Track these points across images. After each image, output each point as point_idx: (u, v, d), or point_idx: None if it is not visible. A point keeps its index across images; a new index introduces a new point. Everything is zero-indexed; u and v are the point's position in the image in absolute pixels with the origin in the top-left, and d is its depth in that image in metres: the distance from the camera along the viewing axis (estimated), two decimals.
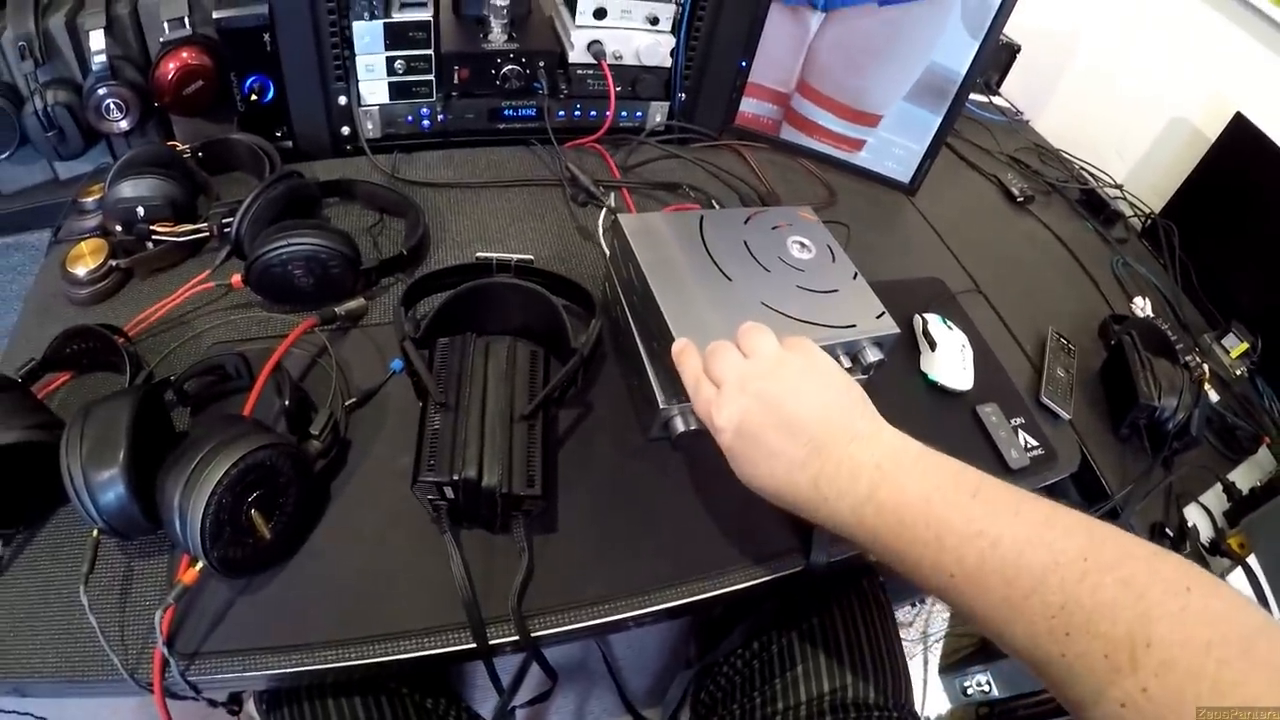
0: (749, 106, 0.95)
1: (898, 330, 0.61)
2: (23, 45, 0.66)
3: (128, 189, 0.63)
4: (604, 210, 0.76)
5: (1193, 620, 0.33)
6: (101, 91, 0.67)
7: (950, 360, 0.76)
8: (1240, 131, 0.99)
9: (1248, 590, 0.69)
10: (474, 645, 0.48)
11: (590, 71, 0.84)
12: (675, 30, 0.85)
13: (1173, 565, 0.36)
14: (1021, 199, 1.05)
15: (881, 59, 0.87)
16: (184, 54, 0.69)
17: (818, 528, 0.57)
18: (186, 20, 0.68)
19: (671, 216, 0.66)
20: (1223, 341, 0.94)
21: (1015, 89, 1.33)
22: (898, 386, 0.73)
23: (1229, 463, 0.84)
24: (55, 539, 0.51)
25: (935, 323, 0.79)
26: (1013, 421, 0.75)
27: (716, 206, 0.83)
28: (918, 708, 1.10)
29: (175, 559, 0.49)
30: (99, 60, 0.66)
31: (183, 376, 0.55)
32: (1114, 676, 0.34)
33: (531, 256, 0.64)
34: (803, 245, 0.66)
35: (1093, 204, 1.10)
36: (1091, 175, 1.18)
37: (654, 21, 0.83)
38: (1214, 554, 0.74)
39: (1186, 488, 0.78)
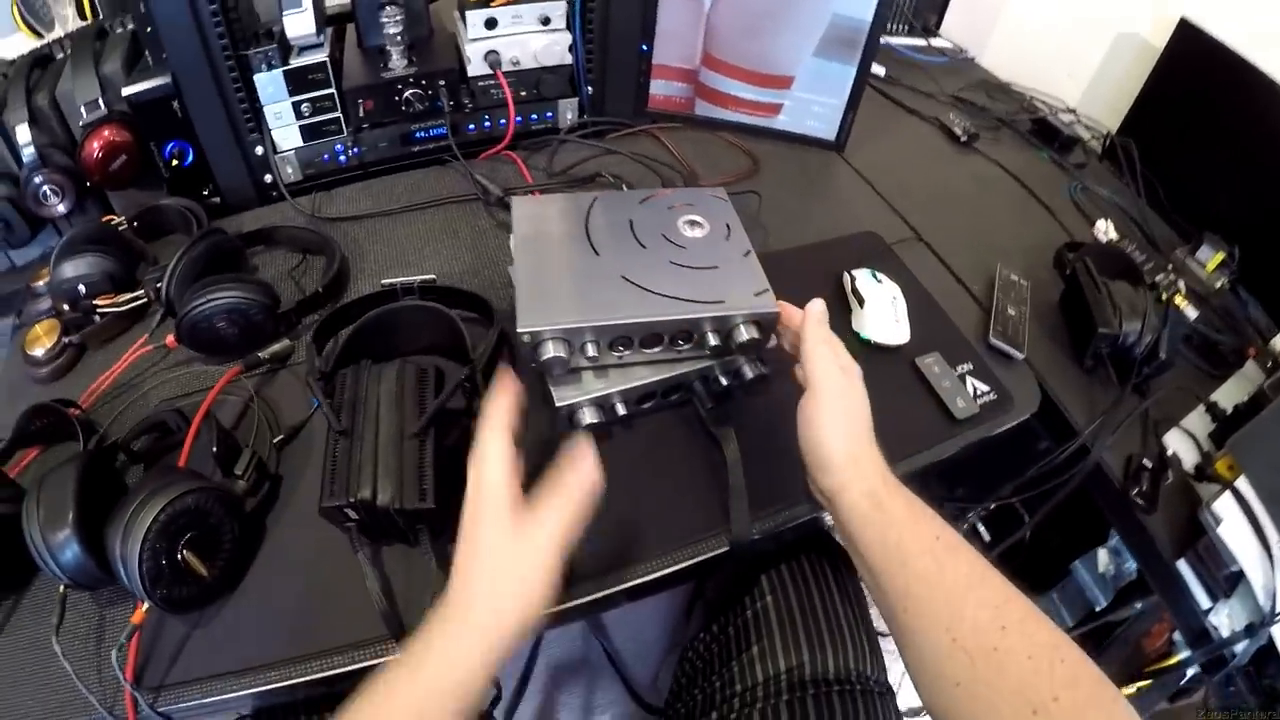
0: (659, 88, 0.98)
1: (776, 309, 0.62)
2: None
3: (68, 270, 0.71)
4: None
5: (1087, 660, 0.42)
6: (37, 180, 0.76)
7: (880, 315, 0.78)
8: (1187, 36, 0.98)
9: (1239, 514, 0.68)
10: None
11: (492, 82, 0.89)
12: (570, 26, 0.88)
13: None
14: (965, 138, 1.05)
15: (780, 19, 0.89)
16: (105, 132, 0.77)
17: (734, 505, 0.61)
18: (100, 101, 0.76)
19: (565, 198, 0.70)
20: (1197, 255, 0.93)
21: (956, 27, 1.33)
22: None
23: (1214, 380, 0.84)
24: (38, 599, 0.58)
25: (864, 278, 0.81)
26: (959, 369, 0.77)
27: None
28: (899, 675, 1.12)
29: (135, 603, 0.56)
30: (28, 152, 0.75)
31: (127, 438, 0.63)
32: (1032, 681, 0.40)
33: (434, 276, 0.70)
34: (695, 223, 0.69)
35: (1045, 132, 1.09)
36: (1044, 103, 1.17)
37: (546, 21, 0.87)
38: (1200, 480, 0.73)
39: (1165, 413, 0.78)
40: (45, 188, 0.76)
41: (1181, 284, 0.86)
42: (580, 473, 0.48)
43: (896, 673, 1.14)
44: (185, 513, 0.53)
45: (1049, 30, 1.23)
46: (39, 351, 0.71)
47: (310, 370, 0.62)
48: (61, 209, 0.78)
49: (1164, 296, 0.80)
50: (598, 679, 1.10)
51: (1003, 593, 0.45)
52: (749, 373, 0.67)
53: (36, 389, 0.72)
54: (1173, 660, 0.79)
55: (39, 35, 0.91)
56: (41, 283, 0.75)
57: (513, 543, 0.46)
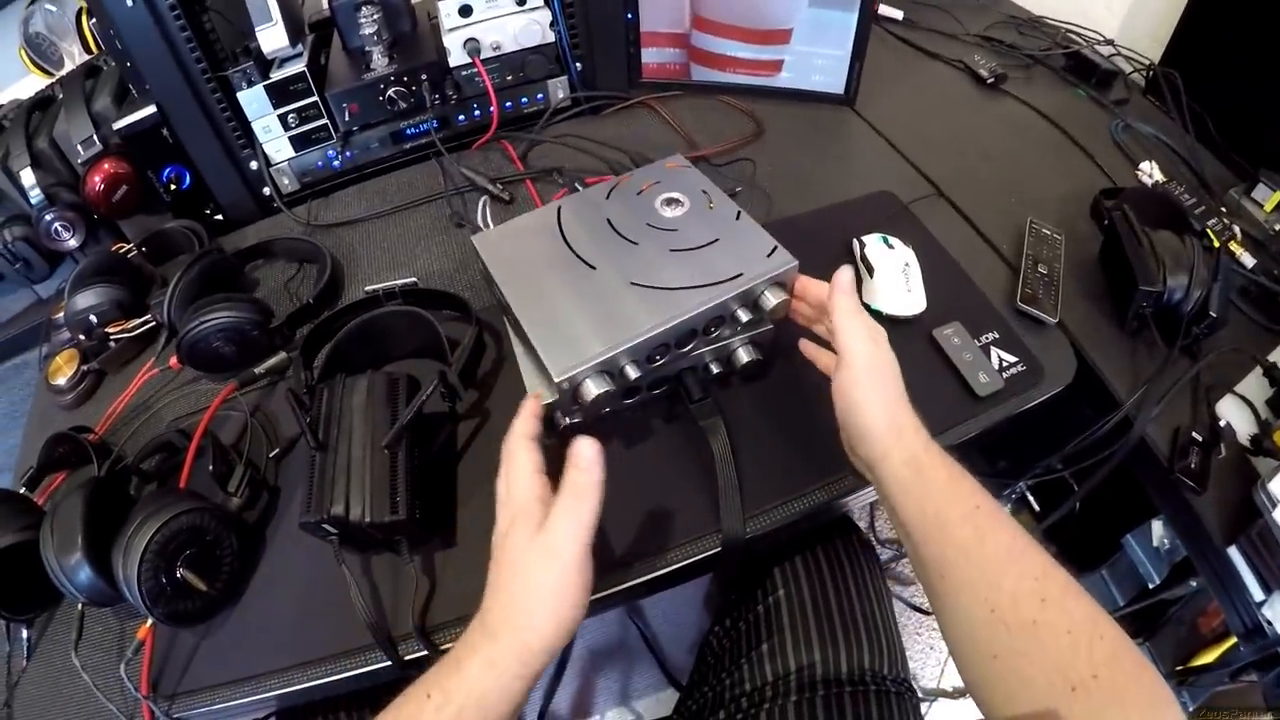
0: (651, 57, 0.95)
1: (795, 262, 0.59)
2: None
3: (79, 302, 0.75)
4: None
5: (1126, 638, 0.41)
6: (47, 219, 0.80)
7: (891, 284, 0.73)
8: None
9: None
10: (389, 663, 0.55)
11: (475, 70, 0.87)
12: (548, 2, 0.86)
13: None
14: (992, 80, 0.97)
15: None
16: (104, 166, 0.80)
17: (724, 502, 0.59)
18: (95, 137, 0.79)
19: (529, 218, 0.67)
20: (1253, 194, 0.83)
21: None
22: None
23: (1274, 337, 0.75)
24: (69, 616, 0.62)
25: (873, 244, 0.76)
26: (982, 339, 0.71)
27: (628, 169, 0.83)
28: (938, 674, 1.08)
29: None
30: (35, 194, 0.79)
31: (137, 460, 0.67)
32: (1071, 657, 0.40)
33: (415, 279, 0.70)
34: (673, 201, 0.66)
35: (1082, 67, 1.00)
36: (1080, 36, 1.07)
37: (522, 1, 0.84)
38: (1257, 454, 0.66)
39: (1219, 378, 0.71)
40: (56, 225, 0.80)
41: (1236, 229, 0.77)
42: (585, 471, 0.47)
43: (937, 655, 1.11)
44: (179, 533, 0.56)
45: None
46: (61, 381, 0.76)
47: (296, 384, 0.64)
48: (74, 243, 0.82)
49: (1216, 244, 0.72)
50: (635, 662, 1.11)
51: (1043, 566, 0.44)
52: (744, 357, 0.64)
53: (63, 416, 0.76)
54: (1223, 647, 0.72)
55: (50, 74, 0.95)
56: (60, 315, 0.79)
57: (538, 555, 0.45)
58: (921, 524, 0.48)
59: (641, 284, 0.59)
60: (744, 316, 0.59)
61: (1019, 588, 0.43)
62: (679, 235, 0.63)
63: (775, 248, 0.60)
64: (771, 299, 0.59)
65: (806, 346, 0.62)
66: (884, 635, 0.66)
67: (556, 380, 0.54)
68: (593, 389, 0.55)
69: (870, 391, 0.52)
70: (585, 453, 0.47)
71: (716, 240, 0.62)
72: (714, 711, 0.65)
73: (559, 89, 0.93)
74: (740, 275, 0.58)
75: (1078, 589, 0.43)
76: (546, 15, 0.86)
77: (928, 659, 1.13)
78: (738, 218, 0.64)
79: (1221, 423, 0.68)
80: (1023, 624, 0.42)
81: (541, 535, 0.46)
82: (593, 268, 0.61)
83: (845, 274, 0.55)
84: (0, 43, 0.99)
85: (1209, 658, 0.80)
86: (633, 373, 0.57)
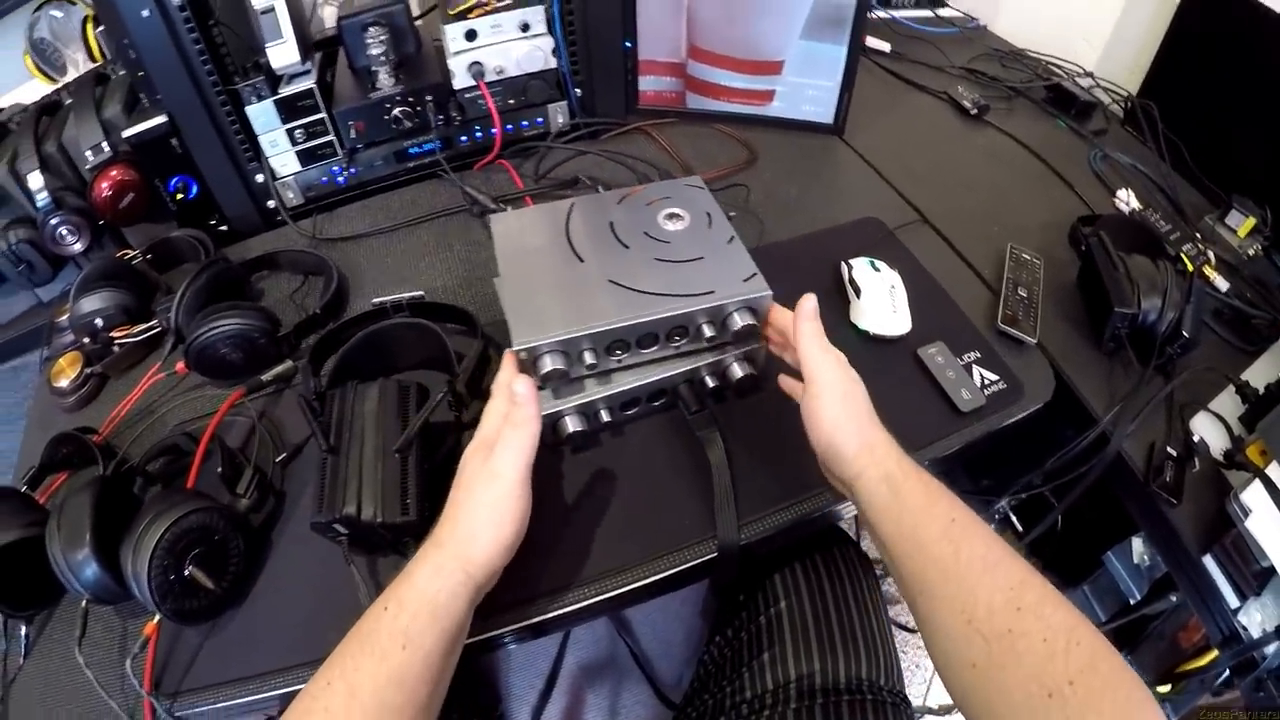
0: (649, 85, 1.00)
1: (768, 292, 0.63)
2: None
3: (85, 305, 0.78)
4: None
5: (1104, 644, 0.43)
6: (53, 222, 0.83)
7: (878, 305, 0.78)
8: None
9: (1270, 505, 0.65)
10: None
11: (478, 93, 0.92)
12: (550, 30, 0.91)
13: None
14: (975, 111, 1.04)
15: (761, 3, 0.90)
16: (112, 173, 0.83)
17: (719, 509, 0.63)
18: (105, 144, 0.83)
19: (543, 209, 0.73)
20: (1226, 220, 0.90)
21: None
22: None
23: (1247, 357, 0.81)
24: (69, 613, 0.65)
25: (861, 267, 0.81)
26: (965, 358, 0.77)
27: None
28: (923, 692, 1.12)
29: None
30: (42, 197, 0.82)
31: (143, 461, 0.69)
32: (1047, 664, 0.42)
33: (423, 292, 0.74)
34: (676, 216, 0.71)
35: (1062, 99, 1.07)
36: (1060, 69, 1.15)
37: (525, 28, 0.90)
38: (1230, 467, 0.71)
39: (1192, 395, 0.77)
40: (62, 229, 0.83)
41: (1211, 254, 0.84)
42: (521, 405, 0.54)
43: (923, 673, 1.15)
44: (189, 531, 0.59)
45: None
46: (64, 383, 0.78)
47: (306, 391, 0.67)
48: (78, 247, 0.85)
49: (1190, 268, 0.78)
50: (624, 679, 1.14)
51: (1019, 575, 0.46)
52: (738, 372, 0.68)
53: (64, 418, 0.78)
54: (1204, 660, 0.77)
55: (53, 80, 0.99)
56: (64, 318, 0.82)
57: (484, 477, 0.53)
58: (899, 541, 0.51)
59: (618, 283, 0.64)
60: (708, 331, 0.64)
61: (994, 598, 0.45)
62: (669, 247, 0.68)
63: (754, 274, 0.64)
64: (739, 320, 0.63)
65: (784, 381, 0.66)
66: (881, 647, 0.69)
67: (515, 349, 0.59)
68: (548, 364, 0.60)
69: (840, 413, 0.55)
70: (520, 390, 0.54)
71: (702, 258, 0.67)
72: (714, 718, 0.69)
73: (559, 113, 0.98)
74: (712, 293, 0.63)
75: (1056, 597, 0.45)
76: (549, 42, 0.91)
77: (913, 676, 1.17)
78: (729, 241, 0.68)
79: (1195, 438, 0.72)
80: (998, 633, 0.44)
81: (489, 461, 0.53)
82: (581, 260, 0.67)
83: (809, 302, 0.59)
84: (5, 47, 1.02)
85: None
86: (590, 358, 0.62)
